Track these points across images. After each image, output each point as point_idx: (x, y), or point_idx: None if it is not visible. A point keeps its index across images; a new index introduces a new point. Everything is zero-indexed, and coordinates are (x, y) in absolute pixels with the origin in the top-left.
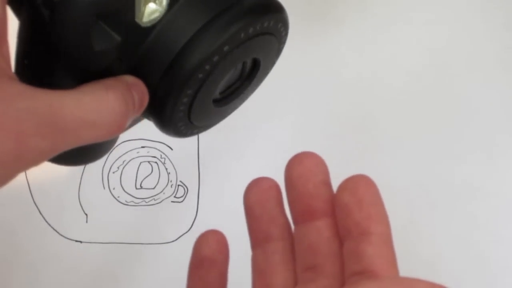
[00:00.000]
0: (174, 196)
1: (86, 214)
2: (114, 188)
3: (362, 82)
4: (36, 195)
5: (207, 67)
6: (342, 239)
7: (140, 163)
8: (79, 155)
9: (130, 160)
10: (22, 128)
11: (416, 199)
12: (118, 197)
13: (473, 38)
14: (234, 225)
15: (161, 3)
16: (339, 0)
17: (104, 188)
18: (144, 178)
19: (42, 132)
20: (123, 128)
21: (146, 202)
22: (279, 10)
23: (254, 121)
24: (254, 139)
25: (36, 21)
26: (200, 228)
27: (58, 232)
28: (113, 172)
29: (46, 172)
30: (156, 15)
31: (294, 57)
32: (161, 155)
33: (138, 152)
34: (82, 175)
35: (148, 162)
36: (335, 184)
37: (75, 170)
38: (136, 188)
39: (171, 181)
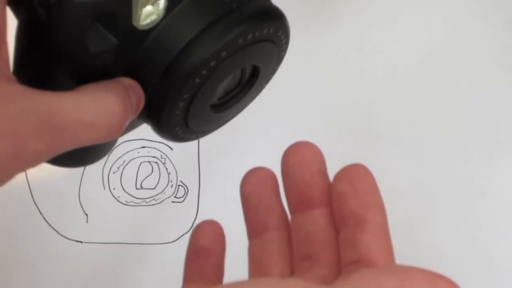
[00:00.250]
0: (175, 196)
1: (86, 214)
2: (114, 188)
3: (362, 82)
4: (36, 195)
5: (204, 72)
6: (338, 228)
7: (141, 163)
8: (77, 157)
9: (130, 160)
10: (19, 129)
11: (416, 199)
12: (119, 197)
13: (473, 38)
14: (234, 225)
15: (158, 6)
16: None
17: (104, 188)
18: (145, 178)
19: (40, 133)
20: (121, 130)
21: (147, 202)
22: (279, 18)
23: (254, 121)
24: (254, 139)
25: (33, 21)
26: None
27: (58, 232)
28: (114, 172)
29: (47, 172)
30: (153, 18)
31: (294, 57)
32: (161, 155)
33: (138, 152)
34: (82, 175)
35: (149, 162)
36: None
37: (75, 170)
38: (137, 188)
39: (171, 181)
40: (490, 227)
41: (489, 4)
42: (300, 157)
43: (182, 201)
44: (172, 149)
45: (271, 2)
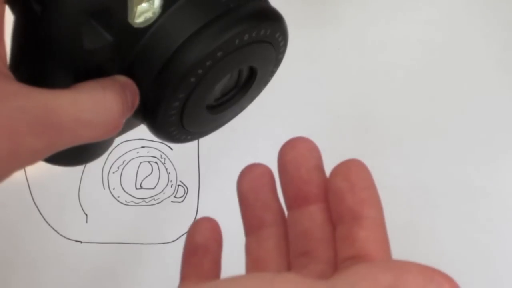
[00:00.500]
0: (174, 196)
1: (86, 214)
2: (114, 188)
3: (362, 82)
4: (36, 195)
5: (200, 71)
6: (335, 224)
7: (140, 163)
8: (74, 155)
9: (130, 160)
10: (16, 126)
11: (416, 199)
12: (118, 197)
13: (473, 38)
14: (234, 224)
15: (153, 3)
16: None
17: (104, 188)
18: (144, 178)
19: (37, 131)
20: (119, 128)
21: (146, 202)
22: (277, 19)
23: (254, 121)
24: (254, 139)
25: (28, 17)
26: None
27: (58, 232)
28: (113, 172)
29: (46, 172)
30: (149, 16)
31: (294, 57)
32: (161, 155)
33: (138, 152)
34: (82, 175)
35: (148, 162)
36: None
37: (75, 170)
38: (136, 188)
39: (171, 181)
40: (490, 227)
41: (489, 4)
42: (297, 153)
43: (181, 201)
44: (172, 149)
45: (269, 4)
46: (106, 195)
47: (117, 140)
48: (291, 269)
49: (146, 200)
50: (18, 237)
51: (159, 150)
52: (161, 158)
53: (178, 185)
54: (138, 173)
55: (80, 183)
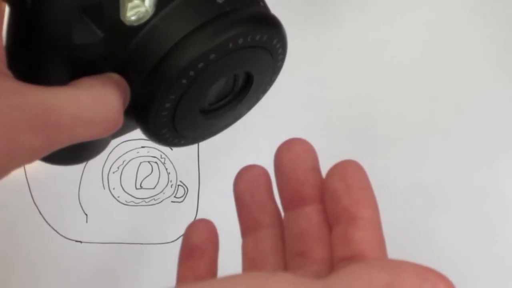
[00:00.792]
0: (174, 196)
1: (86, 214)
2: (114, 188)
3: (362, 82)
4: (36, 195)
5: (192, 73)
6: (331, 224)
7: (140, 163)
8: (70, 154)
9: (130, 160)
10: (14, 124)
11: (416, 199)
12: (118, 197)
13: (473, 38)
14: (234, 224)
15: (144, 0)
16: None
17: (104, 188)
18: (144, 178)
19: (35, 129)
20: (119, 125)
21: (146, 202)
22: (275, 26)
23: (254, 121)
24: (254, 139)
25: (20, 10)
26: None
27: (58, 232)
28: (113, 172)
29: (46, 172)
30: (141, 13)
31: (294, 57)
32: (161, 155)
33: (138, 152)
34: (82, 175)
35: (148, 162)
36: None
37: (75, 170)
38: (136, 188)
39: (171, 181)
40: (490, 226)
41: (489, 4)
42: (293, 154)
43: (181, 201)
44: (171, 149)
45: (268, 10)
46: (106, 195)
47: (117, 140)
48: (287, 270)
49: (146, 200)
50: (18, 237)
51: (159, 150)
52: (161, 158)
53: (178, 185)
54: (138, 173)
55: (80, 183)
